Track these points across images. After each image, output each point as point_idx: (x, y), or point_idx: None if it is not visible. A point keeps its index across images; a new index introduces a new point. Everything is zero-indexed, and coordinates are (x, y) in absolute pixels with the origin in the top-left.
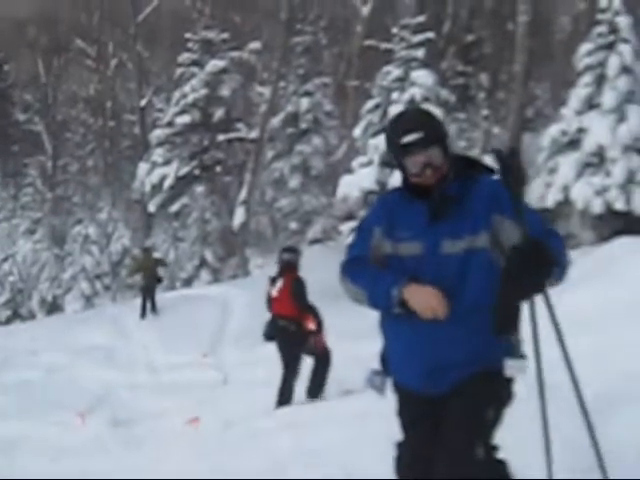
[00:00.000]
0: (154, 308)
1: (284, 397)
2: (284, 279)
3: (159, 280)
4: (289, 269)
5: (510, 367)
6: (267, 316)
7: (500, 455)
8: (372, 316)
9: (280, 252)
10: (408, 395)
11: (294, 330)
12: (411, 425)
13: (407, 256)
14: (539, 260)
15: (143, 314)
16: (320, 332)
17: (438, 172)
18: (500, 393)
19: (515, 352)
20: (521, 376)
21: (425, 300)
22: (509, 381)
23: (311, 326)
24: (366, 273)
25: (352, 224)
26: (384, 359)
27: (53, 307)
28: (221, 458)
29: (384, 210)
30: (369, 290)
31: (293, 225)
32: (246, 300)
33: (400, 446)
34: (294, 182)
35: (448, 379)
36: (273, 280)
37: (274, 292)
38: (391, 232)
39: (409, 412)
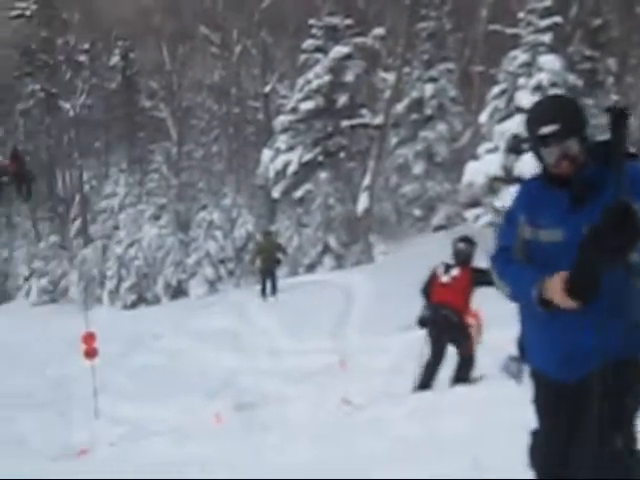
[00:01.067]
0: (274, 290)
1: (424, 382)
2: (460, 270)
3: (278, 262)
4: (465, 260)
5: None
6: (392, 303)
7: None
8: (503, 303)
9: (455, 242)
10: (545, 382)
11: (456, 321)
12: (547, 413)
13: (547, 243)
14: (624, 224)
15: (263, 295)
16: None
17: (575, 162)
18: (638, 382)
19: None
20: None
21: (563, 295)
22: None
23: (471, 322)
24: (510, 269)
25: (477, 211)
26: (522, 345)
27: (177, 292)
28: (347, 443)
29: (526, 197)
30: (511, 287)
31: (417, 211)
32: (370, 286)
33: (535, 434)
34: (418, 168)
35: (585, 366)
36: (447, 267)
37: (445, 279)
38: (532, 218)
39: (546, 399)
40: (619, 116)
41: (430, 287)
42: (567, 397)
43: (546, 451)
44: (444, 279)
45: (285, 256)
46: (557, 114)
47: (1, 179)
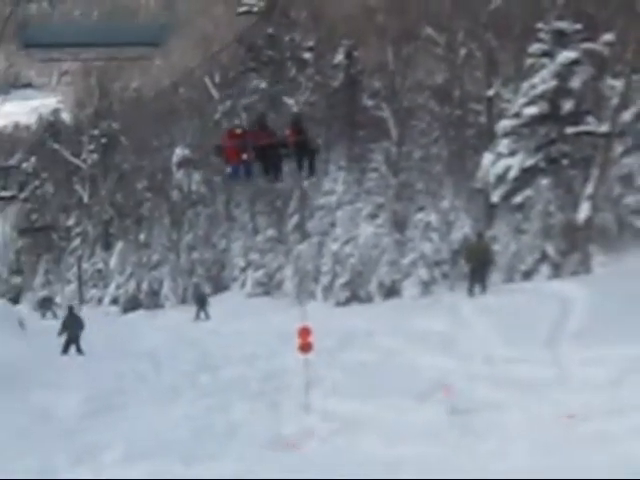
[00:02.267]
0: (484, 289)
1: None
2: None
3: (487, 264)
4: None
5: None
6: (609, 315)
7: None
8: None
9: None
10: None
11: None
12: None
13: None
14: None
15: (470, 294)
16: None
17: None
18: None
19: None
20: None
21: None
22: None
23: None
24: None
25: None
26: None
27: (391, 291)
28: (567, 457)
29: None
30: None
31: (639, 223)
32: (587, 297)
33: None
34: None
35: None
36: None
37: None
38: None
39: None
40: None
41: None
42: None
43: None
44: None
45: (493, 263)
46: None
47: (281, 151)
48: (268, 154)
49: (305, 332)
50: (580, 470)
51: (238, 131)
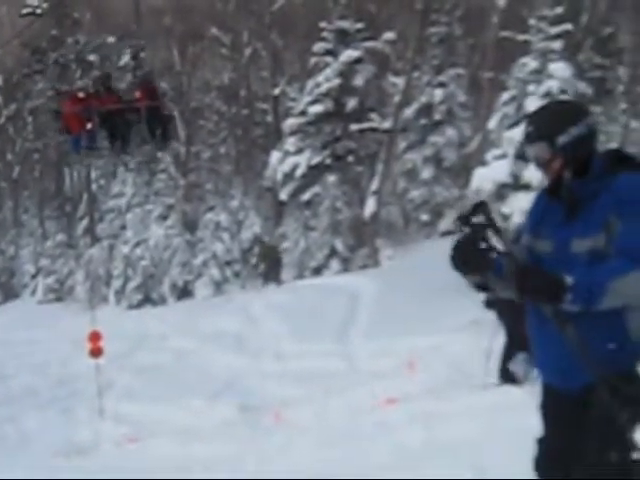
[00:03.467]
0: None
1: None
2: None
3: None
4: None
5: None
6: (397, 307)
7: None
8: None
9: None
10: (547, 389)
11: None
12: (549, 421)
13: (540, 252)
14: (527, 285)
15: None
16: None
17: (550, 169)
18: (633, 394)
19: None
20: None
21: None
22: None
23: None
24: None
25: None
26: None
27: (183, 292)
28: (350, 449)
29: (535, 206)
30: None
31: (424, 217)
32: (375, 291)
33: (539, 442)
34: (426, 173)
35: (578, 378)
36: None
37: None
38: (535, 227)
39: (548, 407)
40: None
41: None
42: (566, 407)
43: (548, 461)
44: None
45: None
46: (536, 117)
47: (129, 118)
48: (115, 121)
49: (95, 336)
50: (362, 463)
51: (81, 95)
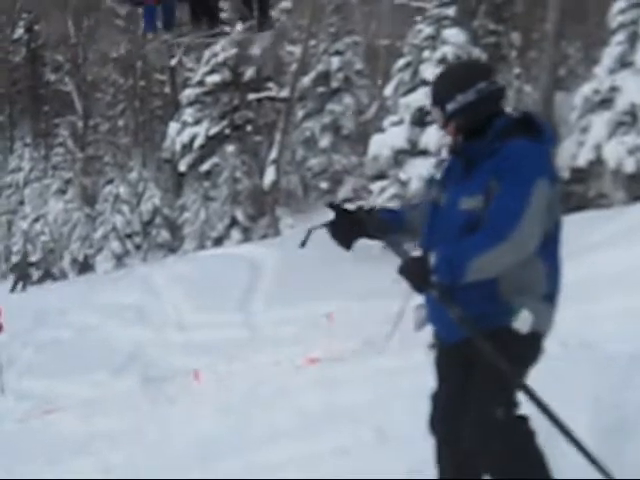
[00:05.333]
0: None
1: None
2: None
3: None
4: None
5: (515, 323)
6: (298, 275)
7: (521, 411)
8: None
9: None
10: (438, 342)
11: None
12: (440, 375)
13: (440, 205)
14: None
15: None
16: None
17: (446, 131)
18: (516, 351)
19: (515, 310)
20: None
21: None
22: (526, 338)
23: None
24: None
25: (382, 183)
26: None
27: (84, 267)
28: (250, 414)
29: (445, 162)
30: None
31: (324, 185)
32: (276, 259)
33: (432, 398)
34: (325, 141)
35: (458, 331)
36: None
37: None
38: (441, 181)
39: (439, 361)
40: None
41: None
42: (452, 360)
43: (439, 415)
44: None
45: None
46: (433, 82)
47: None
48: None
49: None
50: (262, 430)
51: None
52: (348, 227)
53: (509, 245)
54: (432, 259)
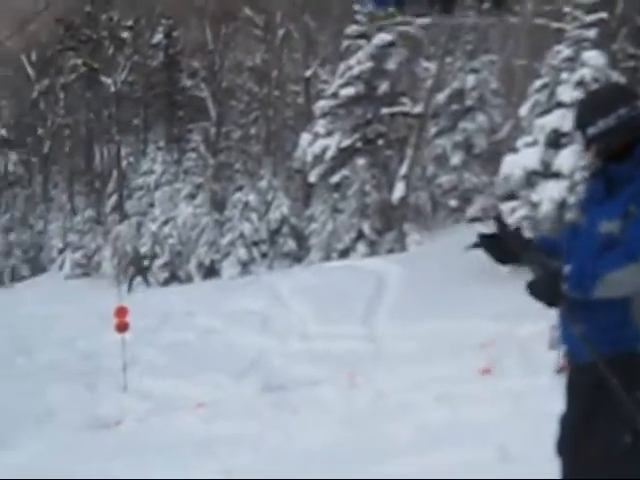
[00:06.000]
0: None
1: None
2: None
3: None
4: None
5: None
6: (423, 292)
7: None
8: (527, 299)
9: None
10: (570, 361)
11: None
12: (570, 395)
13: (580, 228)
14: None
15: None
16: None
17: (589, 154)
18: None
19: None
20: None
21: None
22: None
23: None
24: None
25: (513, 204)
26: None
27: (210, 271)
28: (372, 427)
29: (587, 185)
30: None
31: (453, 202)
32: (402, 275)
33: (560, 419)
34: (456, 159)
35: (586, 354)
36: None
37: None
38: (582, 203)
39: (569, 380)
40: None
41: None
42: (581, 383)
43: (563, 437)
44: None
45: None
46: (577, 106)
47: None
48: None
49: (122, 311)
50: (384, 443)
51: None
52: (508, 245)
53: None
54: (565, 270)
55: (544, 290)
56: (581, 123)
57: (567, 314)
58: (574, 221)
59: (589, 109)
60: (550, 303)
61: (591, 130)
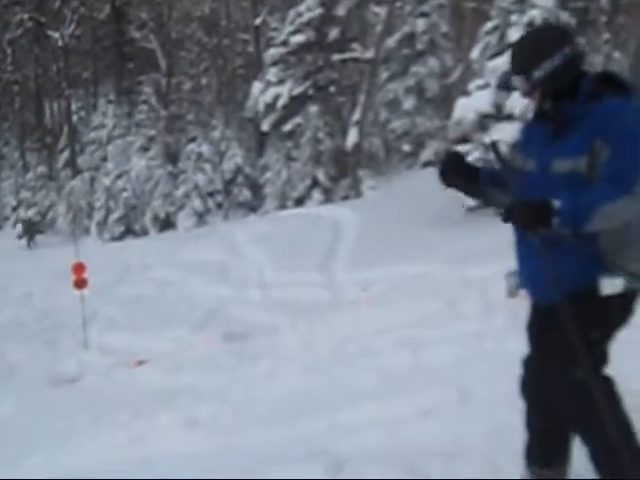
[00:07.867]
0: None
1: None
2: None
3: None
4: None
5: (604, 285)
6: (379, 237)
7: (606, 372)
8: (482, 242)
9: None
10: (531, 304)
11: None
12: (532, 337)
13: (527, 171)
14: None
15: None
16: None
17: (531, 99)
18: (600, 313)
19: (611, 270)
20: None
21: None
22: (612, 300)
23: None
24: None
25: (466, 147)
26: None
27: (165, 224)
28: (336, 374)
29: (526, 127)
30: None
31: (406, 147)
32: (358, 221)
33: (523, 361)
34: (408, 104)
35: (547, 293)
36: None
37: None
38: (524, 146)
39: (531, 322)
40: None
41: None
42: (542, 322)
43: (526, 378)
44: None
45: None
46: (514, 50)
47: None
48: None
49: (79, 268)
50: (347, 389)
51: None
52: (459, 169)
53: (635, 200)
54: (556, 203)
55: (533, 215)
56: (524, 68)
57: (540, 247)
58: (519, 166)
59: (531, 53)
60: (535, 230)
61: (537, 73)
